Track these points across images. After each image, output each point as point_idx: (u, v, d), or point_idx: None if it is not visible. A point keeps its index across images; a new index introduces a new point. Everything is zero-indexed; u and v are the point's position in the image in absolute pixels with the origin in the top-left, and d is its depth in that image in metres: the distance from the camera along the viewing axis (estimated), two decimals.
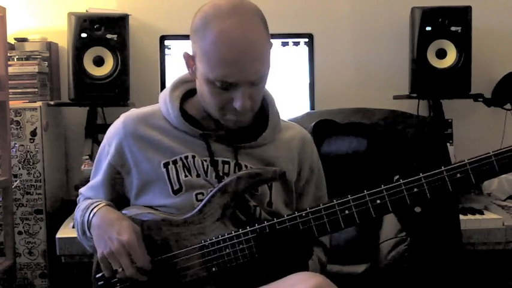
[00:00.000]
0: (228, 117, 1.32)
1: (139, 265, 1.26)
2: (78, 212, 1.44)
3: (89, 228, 1.36)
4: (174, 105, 1.38)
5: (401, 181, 1.23)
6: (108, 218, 1.33)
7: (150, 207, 1.37)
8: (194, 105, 1.40)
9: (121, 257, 1.27)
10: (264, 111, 1.43)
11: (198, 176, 1.35)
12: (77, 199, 1.54)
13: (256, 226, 1.28)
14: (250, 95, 1.28)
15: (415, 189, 1.22)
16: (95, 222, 1.34)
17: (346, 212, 1.24)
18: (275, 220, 1.27)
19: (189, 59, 1.34)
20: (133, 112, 1.43)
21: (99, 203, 1.37)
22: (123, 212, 1.39)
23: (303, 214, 1.26)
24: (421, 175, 1.22)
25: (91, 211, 1.35)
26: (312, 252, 1.35)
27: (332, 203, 1.25)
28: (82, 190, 1.52)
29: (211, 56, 1.24)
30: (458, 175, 1.20)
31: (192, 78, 1.37)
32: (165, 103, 1.40)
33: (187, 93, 1.42)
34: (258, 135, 1.39)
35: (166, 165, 1.36)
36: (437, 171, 1.21)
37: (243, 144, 1.38)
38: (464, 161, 1.20)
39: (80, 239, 1.44)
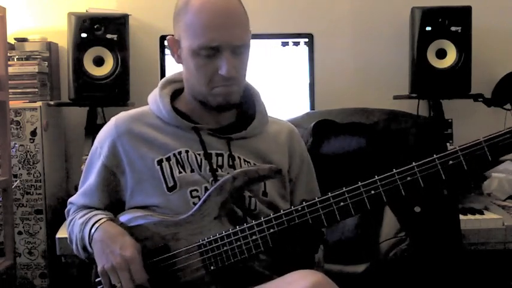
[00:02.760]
0: (217, 90, 1.34)
1: (138, 282, 1.27)
2: (75, 227, 1.42)
3: (90, 243, 1.35)
4: (165, 101, 1.40)
5: (395, 170, 1.23)
6: (111, 233, 1.32)
7: (146, 207, 1.38)
8: (183, 102, 1.43)
9: (121, 272, 1.27)
10: (250, 103, 1.46)
11: (192, 171, 1.36)
12: (66, 210, 1.52)
13: (253, 222, 1.28)
14: (234, 65, 1.31)
15: (408, 178, 1.22)
16: (96, 237, 1.33)
17: (341, 203, 1.25)
18: (271, 215, 1.27)
19: (174, 44, 1.39)
20: (124, 113, 1.45)
21: (101, 217, 1.36)
22: (120, 218, 1.39)
23: (299, 208, 1.26)
24: (414, 164, 1.22)
25: (92, 225, 1.35)
26: (318, 244, 1.36)
27: (327, 196, 1.26)
28: (72, 199, 1.50)
29: (195, 24, 1.30)
30: (451, 162, 1.20)
31: (178, 62, 1.40)
32: (155, 101, 1.42)
33: (175, 92, 1.45)
34: (248, 125, 1.42)
35: (159, 162, 1.37)
36: (429, 159, 1.22)
37: (234, 134, 1.40)
38: (455, 147, 1.21)
39: (77, 252, 1.43)
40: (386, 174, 1.24)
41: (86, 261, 1.44)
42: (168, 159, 1.37)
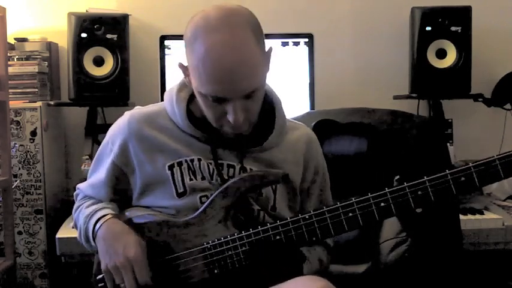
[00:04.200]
0: (225, 128, 1.30)
1: (142, 282, 1.26)
2: (80, 217, 1.41)
3: (93, 238, 1.35)
4: (181, 107, 1.36)
5: (405, 184, 1.23)
6: (115, 231, 1.31)
7: (152, 208, 1.37)
8: (200, 107, 1.37)
9: (125, 272, 1.26)
10: (270, 114, 1.40)
11: (203, 178, 1.34)
12: (75, 194, 1.52)
13: (259, 228, 1.27)
14: (244, 107, 1.25)
15: (419, 192, 1.22)
16: (100, 234, 1.32)
17: (350, 214, 1.24)
18: (278, 222, 1.27)
19: (185, 70, 1.32)
20: (138, 111, 1.41)
21: (106, 212, 1.35)
22: (126, 213, 1.38)
23: (307, 217, 1.26)
24: (425, 178, 1.22)
25: (97, 221, 1.34)
26: (304, 257, 1.35)
27: (336, 206, 1.25)
28: (81, 186, 1.49)
29: (199, 72, 1.22)
30: (463, 178, 1.20)
31: (190, 86, 1.35)
32: (171, 104, 1.38)
33: (193, 94, 1.38)
34: (264, 139, 1.37)
35: (171, 167, 1.34)
36: (441, 174, 1.21)
37: (249, 149, 1.36)
38: (468, 164, 1.20)
39: (81, 241, 1.43)
40: (397, 187, 1.23)
41: (87, 257, 1.43)
42: (180, 164, 1.34)
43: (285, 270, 1.26)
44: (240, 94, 1.23)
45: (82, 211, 1.42)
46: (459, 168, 1.21)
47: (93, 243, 1.36)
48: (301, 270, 1.31)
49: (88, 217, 1.37)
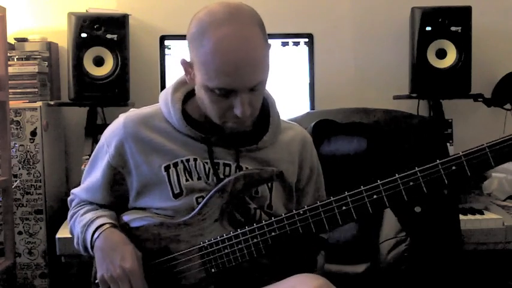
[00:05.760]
0: (229, 124, 1.31)
1: None
2: (77, 226, 1.41)
3: (92, 248, 1.35)
4: (176, 108, 1.37)
5: (397, 175, 1.23)
6: (112, 241, 1.32)
7: (149, 209, 1.37)
8: (195, 107, 1.37)
9: (122, 284, 1.27)
10: (265, 113, 1.42)
11: (199, 179, 1.35)
12: (69, 200, 1.52)
13: (254, 226, 1.28)
14: (250, 101, 1.27)
15: (411, 183, 1.22)
16: (98, 244, 1.33)
17: (343, 208, 1.25)
18: (273, 219, 1.27)
19: (187, 66, 1.32)
20: (133, 113, 1.41)
21: (103, 222, 1.35)
22: (123, 217, 1.39)
23: (301, 212, 1.26)
24: (417, 169, 1.22)
25: (94, 231, 1.34)
26: (320, 249, 1.35)
27: (329, 200, 1.26)
28: (76, 191, 1.49)
29: (208, 65, 1.23)
30: (454, 167, 1.20)
31: (191, 84, 1.35)
32: (166, 105, 1.39)
33: (188, 94, 1.40)
34: (259, 138, 1.38)
35: (167, 168, 1.35)
36: (432, 164, 1.21)
37: (244, 147, 1.37)
38: (459, 153, 1.21)
39: (78, 249, 1.43)
40: (388, 179, 1.23)
41: (85, 259, 1.43)
42: (176, 165, 1.35)
43: (301, 262, 1.28)
44: (248, 86, 1.24)
45: (78, 219, 1.42)
46: (450, 158, 1.21)
47: (91, 252, 1.36)
48: (316, 262, 1.33)
49: (85, 226, 1.37)
